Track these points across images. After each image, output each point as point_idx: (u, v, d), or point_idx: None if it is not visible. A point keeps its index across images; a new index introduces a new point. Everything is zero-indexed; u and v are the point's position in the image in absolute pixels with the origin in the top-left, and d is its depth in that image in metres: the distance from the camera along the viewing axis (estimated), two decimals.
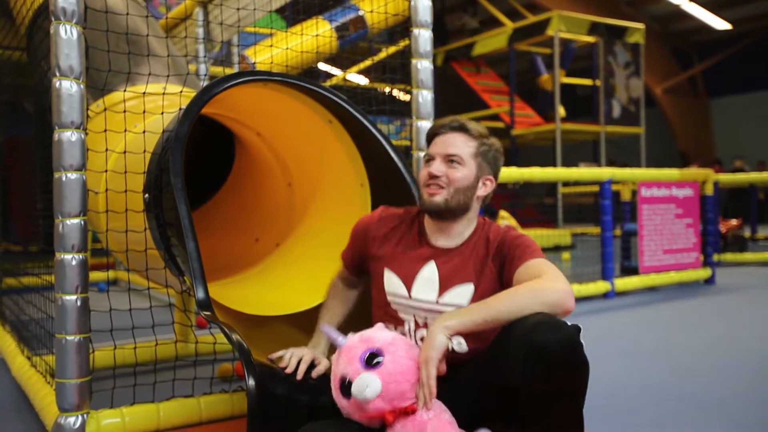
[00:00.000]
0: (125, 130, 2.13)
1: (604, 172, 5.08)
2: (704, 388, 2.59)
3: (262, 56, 5.80)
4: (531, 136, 13.64)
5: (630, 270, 5.73)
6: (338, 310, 1.88)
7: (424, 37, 2.49)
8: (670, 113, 16.81)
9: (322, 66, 10.48)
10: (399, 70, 2.97)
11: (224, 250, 2.77)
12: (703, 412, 2.30)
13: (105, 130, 2.09)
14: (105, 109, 2.24)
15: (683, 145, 16.66)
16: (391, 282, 1.72)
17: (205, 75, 3.23)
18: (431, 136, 1.75)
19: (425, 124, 2.51)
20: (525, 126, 13.23)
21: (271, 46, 3.34)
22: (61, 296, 1.83)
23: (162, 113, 2.11)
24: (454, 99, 16.88)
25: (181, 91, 2.25)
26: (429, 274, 1.67)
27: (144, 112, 2.15)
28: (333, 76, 10.28)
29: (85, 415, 1.86)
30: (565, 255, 8.09)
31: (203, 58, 3.74)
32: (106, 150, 2.09)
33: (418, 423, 1.41)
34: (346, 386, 1.46)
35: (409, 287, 1.68)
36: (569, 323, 1.40)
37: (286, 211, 2.67)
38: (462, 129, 1.70)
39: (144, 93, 2.17)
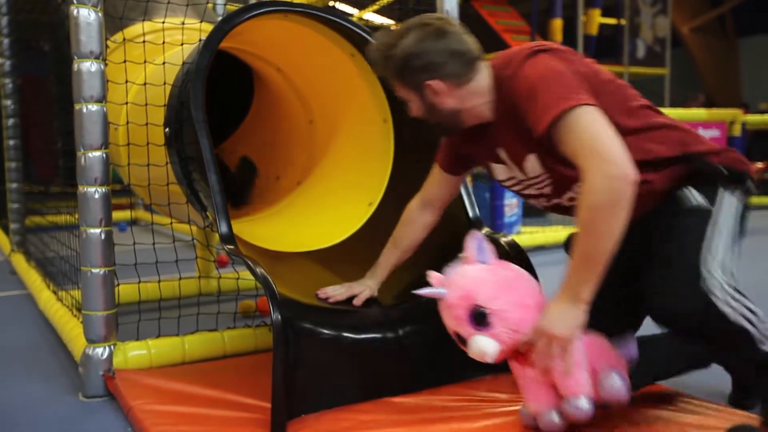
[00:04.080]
0: (145, 62, 2.09)
1: None
2: None
3: None
4: None
5: None
6: (400, 245, 1.79)
7: None
8: (697, 54, 16.32)
9: (340, 6, 10.26)
10: (421, 9, 2.87)
11: None
12: None
13: (125, 61, 2.05)
14: (124, 39, 2.19)
15: (708, 87, 16.24)
16: (498, 170, 1.61)
17: (224, 4, 3.15)
18: None
19: None
20: None
21: None
22: (85, 229, 1.83)
23: (182, 44, 2.06)
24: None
25: (200, 23, 2.19)
26: (503, 156, 1.55)
27: (164, 43, 2.10)
28: (351, 15, 10.06)
29: (112, 347, 1.89)
30: None
31: None
32: (126, 82, 2.06)
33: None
34: (462, 341, 1.42)
35: (503, 170, 1.58)
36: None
37: (307, 149, 2.63)
38: (384, 70, 1.55)
39: (163, 22, 2.12)
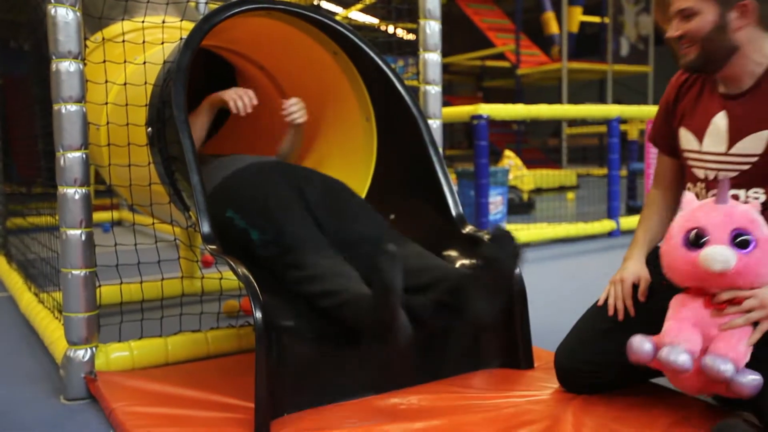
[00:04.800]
0: (125, 62, 2.07)
1: (613, 110, 5.00)
2: None
3: None
4: (536, 75, 13.41)
5: (635, 209, 5.71)
6: (649, 224, 1.73)
7: None
8: None
9: (325, 5, 10.25)
10: (404, 8, 2.87)
11: None
12: None
13: (104, 61, 2.03)
14: (104, 39, 2.17)
15: None
16: (686, 138, 1.64)
17: (206, 3, 3.13)
18: None
19: (433, 57, 2.44)
20: (530, 65, 13.00)
21: None
22: (65, 231, 1.81)
23: (162, 43, 2.05)
24: (458, 38, 16.55)
25: (181, 21, 2.18)
26: (718, 124, 1.56)
27: (144, 42, 2.09)
28: (336, 14, 10.04)
29: (93, 349, 1.87)
30: (570, 195, 8.07)
31: None
32: (106, 82, 2.04)
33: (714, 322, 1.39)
34: (694, 239, 1.39)
35: (700, 140, 1.60)
36: None
37: None
38: None
39: (143, 22, 2.10)
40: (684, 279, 1.44)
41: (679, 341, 1.37)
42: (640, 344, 1.42)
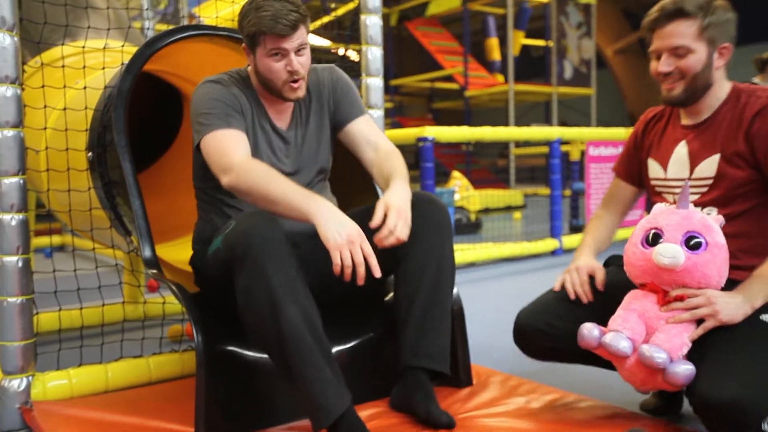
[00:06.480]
0: (65, 86, 2.06)
1: (553, 132, 5.16)
2: None
3: (208, 13, 5.62)
4: (484, 97, 13.69)
5: (578, 228, 5.87)
6: (597, 233, 1.87)
7: None
8: (620, 74, 17.04)
9: None
10: (350, 29, 2.93)
11: (174, 211, 2.73)
12: None
13: (43, 86, 2.02)
14: (42, 65, 2.15)
15: (632, 106, 16.96)
16: (653, 168, 1.76)
17: (150, 29, 3.13)
18: (650, 30, 1.67)
19: (375, 81, 2.49)
20: (478, 87, 13.27)
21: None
22: (1, 257, 1.78)
23: (104, 68, 2.05)
24: (408, 59, 16.80)
25: (122, 46, 2.17)
26: (680, 152, 1.70)
27: (84, 67, 2.08)
28: None
29: (30, 378, 1.83)
30: (517, 215, 8.23)
31: (147, 14, 3.62)
32: (45, 107, 2.02)
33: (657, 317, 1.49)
34: (651, 238, 1.51)
35: (665, 168, 1.73)
36: None
37: None
38: (680, 14, 1.60)
39: (83, 47, 2.10)
40: (639, 274, 1.56)
41: (623, 329, 1.50)
42: (590, 330, 1.53)
